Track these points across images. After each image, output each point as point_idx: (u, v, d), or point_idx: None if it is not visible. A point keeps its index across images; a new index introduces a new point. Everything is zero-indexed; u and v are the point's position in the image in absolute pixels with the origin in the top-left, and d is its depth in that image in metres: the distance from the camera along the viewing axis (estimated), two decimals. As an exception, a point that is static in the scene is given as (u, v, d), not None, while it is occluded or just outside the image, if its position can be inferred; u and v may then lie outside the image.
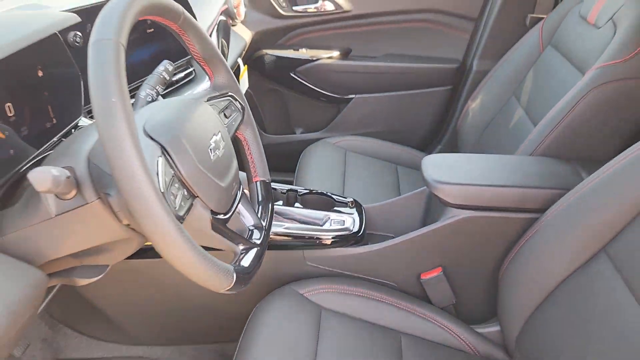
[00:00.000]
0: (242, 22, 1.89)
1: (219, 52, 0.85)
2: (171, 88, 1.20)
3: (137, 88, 0.84)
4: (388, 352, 1.00)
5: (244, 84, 1.82)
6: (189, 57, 1.23)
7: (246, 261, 0.75)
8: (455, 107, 1.96)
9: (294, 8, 1.95)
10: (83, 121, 0.88)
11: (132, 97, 0.62)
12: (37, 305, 0.69)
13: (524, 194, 1.07)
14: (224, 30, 1.65)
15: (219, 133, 0.76)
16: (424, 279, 1.17)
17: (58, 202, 0.65)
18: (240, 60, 1.73)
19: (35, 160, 0.75)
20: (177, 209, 0.63)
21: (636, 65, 1.13)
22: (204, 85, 1.26)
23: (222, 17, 1.65)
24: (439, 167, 1.15)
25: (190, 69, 1.27)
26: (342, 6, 1.92)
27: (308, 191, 1.23)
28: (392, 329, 1.06)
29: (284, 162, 1.99)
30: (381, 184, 1.57)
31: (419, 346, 1.04)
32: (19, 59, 0.71)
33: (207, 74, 0.86)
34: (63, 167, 0.63)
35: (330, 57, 1.98)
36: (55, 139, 0.80)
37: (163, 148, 0.65)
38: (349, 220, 1.16)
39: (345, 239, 1.13)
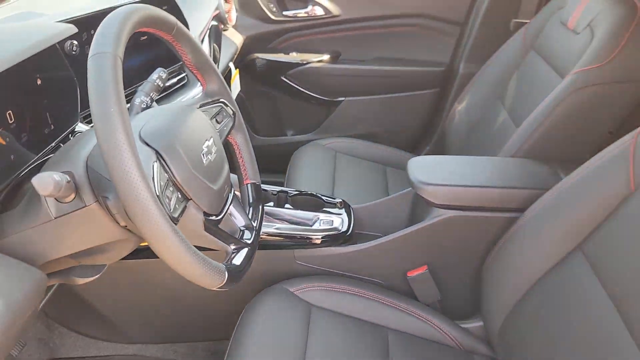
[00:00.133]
0: (233, 26, 1.91)
1: (211, 60, 0.88)
2: (165, 93, 1.23)
3: (133, 93, 0.86)
4: (375, 347, 1.03)
5: (235, 87, 1.84)
6: (181, 63, 1.26)
7: (237, 260, 0.78)
8: (443, 109, 1.99)
9: (284, 13, 1.97)
10: (80, 127, 0.90)
11: (127, 102, 0.65)
12: (37, 304, 0.71)
13: (505, 194, 1.11)
14: (216, 35, 1.67)
15: (211, 138, 0.79)
16: (410, 276, 1.20)
17: (58, 205, 0.68)
18: (231, 64, 1.76)
19: (34, 165, 0.78)
20: (171, 210, 0.66)
21: (611, 71, 1.17)
22: (197, 90, 1.28)
23: (214, 22, 1.67)
24: (423, 168, 1.18)
25: (183, 75, 1.29)
26: (331, 11, 1.95)
27: (298, 192, 1.26)
28: (380, 325, 1.09)
29: (275, 163, 2.01)
30: (370, 184, 1.61)
31: (405, 341, 1.07)
32: (19, 70, 0.74)
33: (200, 82, 0.89)
34: (63, 172, 0.65)
35: (320, 61, 2.01)
36: (53, 144, 0.82)
37: (158, 153, 0.68)
38: (338, 221, 1.19)
39: (334, 239, 1.17)
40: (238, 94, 1.93)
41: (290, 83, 2.05)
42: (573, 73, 1.21)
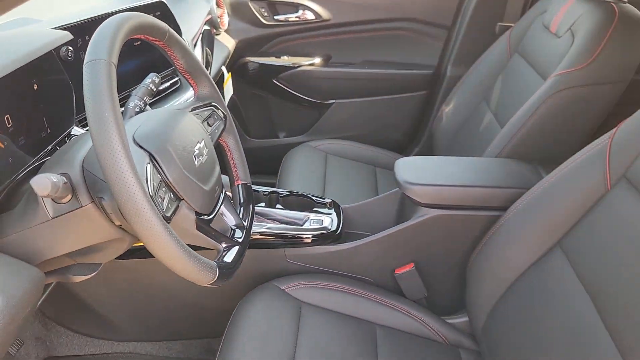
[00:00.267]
0: (225, 31, 1.94)
1: (202, 65, 0.90)
2: (158, 97, 1.25)
3: (127, 97, 0.88)
4: (364, 342, 1.06)
5: (228, 90, 1.87)
6: (173, 67, 1.28)
7: (228, 257, 0.81)
8: (431, 111, 2.02)
9: (276, 17, 2.00)
10: (75, 130, 0.93)
11: (121, 106, 0.67)
12: (36, 302, 0.73)
13: (488, 193, 1.15)
14: (208, 39, 1.70)
15: (202, 141, 0.82)
16: (397, 273, 1.23)
17: (55, 205, 0.70)
18: (224, 68, 1.78)
19: (31, 167, 0.80)
20: (164, 210, 0.69)
21: (591, 73, 1.21)
22: (189, 94, 1.30)
23: (207, 27, 1.70)
24: (410, 169, 1.21)
25: (176, 79, 1.32)
26: (322, 15, 1.97)
27: (289, 193, 1.29)
28: (368, 321, 1.12)
29: (267, 165, 2.03)
30: (360, 185, 1.63)
31: (392, 336, 1.10)
32: (17, 76, 0.76)
33: (192, 86, 0.91)
34: (60, 174, 0.68)
35: (311, 64, 2.03)
36: (49, 147, 0.85)
37: (151, 156, 0.70)
38: (327, 220, 1.22)
39: (324, 238, 1.19)
40: (231, 97, 1.95)
41: (282, 86, 2.07)
42: (554, 75, 1.25)
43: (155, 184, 0.68)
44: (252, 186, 1.05)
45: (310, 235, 1.18)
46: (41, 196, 0.68)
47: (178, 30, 1.34)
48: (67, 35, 0.89)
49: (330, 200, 1.29)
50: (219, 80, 1.76)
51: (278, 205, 1.24)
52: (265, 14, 1.99)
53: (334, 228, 1.21)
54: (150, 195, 0.66)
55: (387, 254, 1.22)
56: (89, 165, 0.71)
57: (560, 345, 0.83)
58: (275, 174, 1.75)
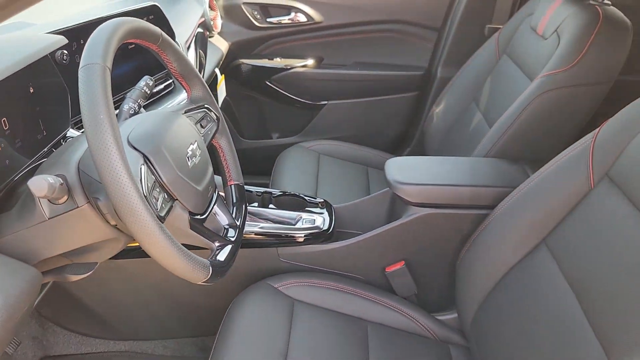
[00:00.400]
0: (219, 33, 1.95)
1: (195, 68, 0.92)
2: (152, 99, 1.26)
3: (121, 100, 0.90)
4: (355, 339, 1.07)
5: (221, 92, 1.88)
6: (167, 70, 1.30)
7: (221, 256, 0.82)
8: (422, 112, 2.04)
9: (268, 20, 2.02)
10: (71, 132, 0.94)
11: (116, 109, 0.69)
12: (33, 301, 0.74)
13: (476, 192, 1.17)
14: (202, 41, 1.71)
15: (196, 142, 0.83)
16: (388, 271, 1.25)
17: (51, 206, 0.72)
18: (217, 70, 1.79)
19: (28, 169, 0.81)
20: (158, 210, 0.70)
21: (576, 74, 1.24)
22: (182, 96, 1.32)
23: (200, 30, 1.71)
24: (400, 169, 1.23)
25: (170, 81, 1.33)
26: (313, 18, 1.99)
27: (282, 193, 1.31)
28: (359, 318, 1.14)
29: (260, 165, 2.04)
30: (352, 185, 1.65)
31: (383, 333, 1.12)
32: (13, 80, 0.77)
33: (185, 89, 0.93)
34: (56, 175, 0.70)
35: (303, 66, 2.05)
36: (46, 149, 0.86)
37: (145, 157, 0.72)
38: (320, 220, 1.24)
39: (316, 237, 1.21)
40: (224, 99, 1.96)
41: (275, 88, 2.09)
42: (541, 76, 1.27)
43: (149, 185, 0.70)
44: (245, 186, 1.07)
45: (303, 235, 1.20)
46: (38, 197, 0.69)
47: (171, 33, 1.36)
48: (62, 40, 0.90)
49: (323, 200, 1.31)
50: (212, 82, 1.77)
51: (271, 205, 1.26)
52: (258, 16, 2.01)
53: (326, 227, 1.22)
54: (145, 196, 0.67)
55: (378, 252, 1.24)
56: (85, 166, 0.72)
57: (545, 339, 0.85)
58: (268, 174, 1.76)
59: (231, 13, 2.02)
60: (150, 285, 1.26)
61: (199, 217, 0.82)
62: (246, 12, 2.00)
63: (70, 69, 0.97)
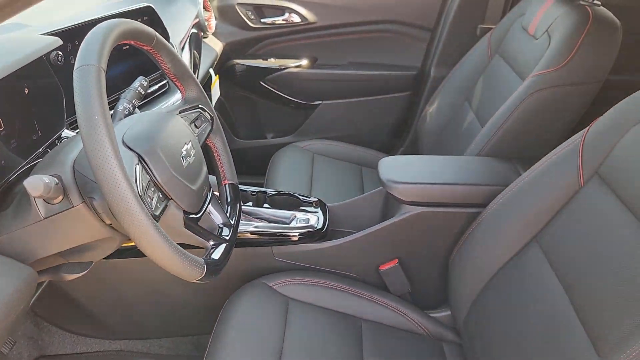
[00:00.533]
0: (213, 34, 1.95)
1: (189, 69, 0.92)
2: (146, 100, 1.27)
3: (116, 100, 0.90)
4: (349, 336, 1.08)
5: (215, 93, 1.88)
6: (161, 71, 1.30)
7: (216, 255, 0.83)
8: (415, 111, 2.05)
9: (262, 20, 2.02)
10: (66, 132, 0.94)
11: (110, 109, 0.69)
12: (28, 300, 0.75)
13: (469, 190, 1.18)
14: (196, 42, 1.71)
15: (190, 142, 0.84)
16: (382, 270, 1.26)
17: (47, 206, 0.72)
18: (212, 71, 1.80)
19: (23, 169, 0.82)
20: (153, 209, 0.71)
21: (566, 74, 1.25)
22: (177, 97, 1.32)
23: (194, 30, 1.71)
24: (393, 168, 1.24)
25: (164, 82, 1.34)
26: (307, 18, 2.00)
27: (276, 192, 1.31)
28: (353, 316, 1.15)
29: (255, 165, 2.05)
30: (346, 184, 1.66)
31: (377, 330, 1.12)
32: (8, 81, 0.78)
33: (179, 89, 0.93)
34: (51, 175, 0.70)
35: (297, 66, 2.06)
36: (41, 149, 0.86)
37: (140, 157, 0.73)
38: (314, 219, 1.24)
39: (310, 236, 1.21)
40: (218, 99, 1.97)
41: (269, 88, 2.10)
42: (532, 76, 1.29)
43: (144, 184, 0.71)
44: (240, 186, 1.07)
45: (297, 234, 1.21)
46: (34, 197, 0.70)
47: (166, 34, 1.36)
48: (57, 41, 0.91)
49: (317, 199, 1.31)
50: (207, 82, 1.77)
51: (265, 205, 1.26)
52: (252, 17, 2.01)
53: (320, 226, 1.23)
54: (140, 195, 0.68)
55: (371, 251, 1.25)
56: (80, 166, 0.73)
57: (536, 335, 0.86)
58: (263, 174, 1.77)
59: (225, 14, 2.03)
60: (146, 284, 1.27)
61: (193, 216, 0.83)
62: (240, 13, 2.00)
63: (65, 70, 0.97)
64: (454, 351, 1.12)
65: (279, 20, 2.02)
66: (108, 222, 0.75)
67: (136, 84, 0.91)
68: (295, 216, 1.24)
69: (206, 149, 0.97)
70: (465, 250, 1.12)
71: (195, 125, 0.93)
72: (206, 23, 1.82)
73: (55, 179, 0.70)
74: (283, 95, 2.11)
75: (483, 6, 1.90)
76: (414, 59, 2.05)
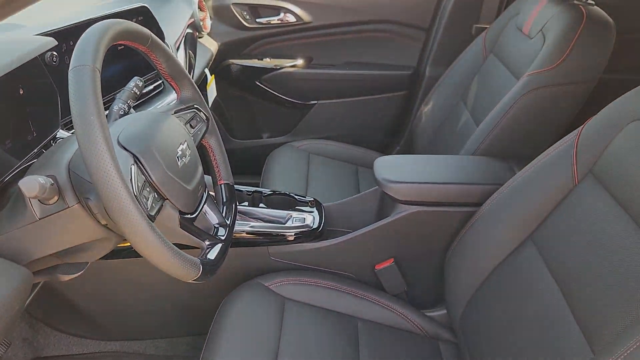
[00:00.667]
0: (208, 34, 1.95)
1: (185, 69, 0.92)
2: (142, 100, 1.26)
3: (111, 100, 0.90)
4: (346, 336, 1.09)
5: (212, 92, 1.88)
6: (156, 71, 1.30)
7: (212, 255, 0.83)
8: (410, 111, 2.06)
9: (258, 20, 2.02)
10: (61, 133, 0.94)
11: (106, 110, 0.69)
12: (23, 301, 0.74)
13: (464, 189, 1.18)
14: (191, 42, 1.71)
15: (185, 142, 0.84)
16: (378, 269, 1.26)
17: (42, 206, 0.72)
18: (207, 71, 1.80)
19: (18, 170, 0.82)
20: (148, 209, 0.71)
21: (560, 73, 1.25)
22: (172, 97, 1.32)
23: (189, 30, 1.71)
24: (389, 167, 1.25)
25: (159, 82, 1.33)
26: (302, 18, 2.00)
27: (272, 192, 1.31)
28: (350, 315, 1.15)
29: (250, 165, 2.05)
30: (342, 184, 1.66)
31: (373, 330, 1.13)
32: (3, 82, 0.78)
33: (174, 89, 0.93)
34: (47, 176, 0.70)
35: (293, 66, 2.06)
36: (36, 150, 0.86)
37: (135, 157, 0.73)
38: (310, 218, 1.25)
39: (306, 235, 1.22)
40: (215, 99, 1.97)
41: (265, 88, 2.10)
42: (526, 75, 1.29)
43: (139, 184, 0.71)
44: (236, 186, 1.07)
45: (293, 233, 1.21)
46: (29, 197, 0.69)
47: (161, 34, 1.36)
48: (52, 41, 0.91)
49: (313, 199, 1.32)
50: (202, 82, 1.77)
51: (261, 204, 1.26)
52: (247, 17, 2.01)
53: (316, 226, 1.23)
54: (135, 195, 0.68)
55: (367, 250, 1.25)
56: (75, 167, 0.72)
57: (532, 333, 0.87)
58: (259, 174, 1.77)
59: (220, 14, 2.02)
60: (141, 284, 1.26)
61: (189, 216, 0.83)
62: (235, 13, 2.00)
63: (60, 71, 0.97)
64: (450, 350, 1.13)
65: (274, 20, 2.02)
66: (103, 222, 0.75)
67: (131, 84, 0.91)
68: (291, 216, 1.25)
69: (201, 149, 0.97)
70: (461, 249, 1.12)
71: (190, 125, 0.93)
72: (201, 23, 1.82)
73: (51, 179, 0.70)
74: (278, 95, 2.11)
75: (478, 6, 1.90)
76: (409, 58, 2.06)
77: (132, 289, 1.28)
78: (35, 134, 0.86)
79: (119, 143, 0.74)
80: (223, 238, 0.90)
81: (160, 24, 1.36)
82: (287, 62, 2.07)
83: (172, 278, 0.71)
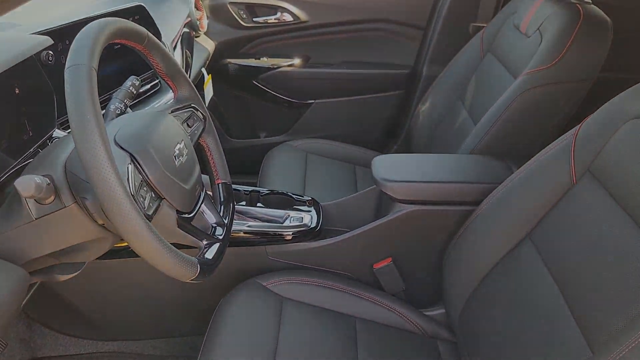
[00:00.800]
0: (205, 33, 1.95)
1: (181, 68, 0.92)
2: (138, 99, 1.26)
3: (108, 100, 0.90)
4: (344, 335, 1.08)
5: (208, 92, 1.88)
6: (153, 70, 1.30)
7: (209, 254, 0.83)
8: (408, 110, 2.06)
9: (255, 19, 2.02)
10: (57, 132, 0.94)
11: (102, 109, 0.69)
12: (20, 301, 0.74)
13: (462, 188, 1.18)
14: (188, 41, 1.71)
15: (182, 141, 0.84)
16: (376, 268, 1.26)
17: (38, 206, 0.72)
18: (204, 70, 1.79)
19: (14, 170, 0.81)
20: (146, 209, 0.71)
21: (558, 71, 1.26)
22: (169, 96, 1.32)
23: (186, 30, 1.71)
24: (386, 166, 1.25)
25: (156, 81, 1.33)
26: (299, 17, 2.00)
27: (269, 191, 1.31)
28: (348, 315, 1.15)
29: (248, 165, 2.04)
30: (339, 183, 1.66)
31: (372, 329, 1.13)
32: None
33: (171, 88, 0.93)
34: (43, 175, 0.70)
35: (290, 65, 2.06)
36: (32, 149, 0.86)
37: (132, 156, 0.72)
38: (307, 217, 1.25)
39: (304, 234, 1.22)
40: (211, 98, 1.96)
41: (262, 87, 2.10)
42: (524, 74, 1.29)
43: (136, 184, 0.70)
44: (233, 185, 1.07)
45: (291, 233, 1.21)
46: (25, 197, 0.69)
47: (157, 33, 1.36)
48: (48, 40, 0.90)
49: (310, 198, 1.32)
50: (199, 82, 1.77)
51: (259, 204, 1.26)
52: (244, 16, 2.01)
53: (313, 225, 1.23)
54: (132, 195, 0.68)
55: (365, 249, 1.25)
56: (72, 166, 0.72)
57: (530, 331, 0.87)
58: (256, 173, 1.77)
59: (217, 13, 2.02)
60: (139, 284, 1.26)
61: (186, 215, 0.83)
62: (232, 12, 2.00)
63: (56, 70, 0.97)
64: (448, 349, 1.13)
65: (271, 19, 2.02)
66: (100, 222, 0.75)
67: (128, 83, 0.91)
68: (288, 215, 1.25)
69: (199, 149, 0.97)
70: (459, 248, 1.12)
71: (187, 124, 0.92)
72: (198, 22, 1.82)
73: (47, 179, 0.69)
74: (276, 94, 2.11)
75: (475, 4, 1.90)
76: (406, 57, 2.05)
77: (129, 289, 1.27)
78: (31, 134, 0.86)
79: (115, 142, 0.74)
80: (221, 238, 0.90)
81: (156, 23, 1.36)
82: (284, 62, 2.06)
83: (169, 278, 0.71)
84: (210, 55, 1.92)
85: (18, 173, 0.80)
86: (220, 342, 1.01)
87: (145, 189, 0.72)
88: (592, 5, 1.33)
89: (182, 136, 0.85)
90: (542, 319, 0.85)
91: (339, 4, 1.98)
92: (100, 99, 0.64)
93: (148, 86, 1.31)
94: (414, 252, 1.26)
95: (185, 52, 1.64)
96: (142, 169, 0.73)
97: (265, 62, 2.07)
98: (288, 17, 2.00)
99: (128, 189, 0.64)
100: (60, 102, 0.91)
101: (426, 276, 1.29)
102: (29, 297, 0.98)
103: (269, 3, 1.99)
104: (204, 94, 1.80)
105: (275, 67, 2.05)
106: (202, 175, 0.93)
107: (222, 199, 1.02)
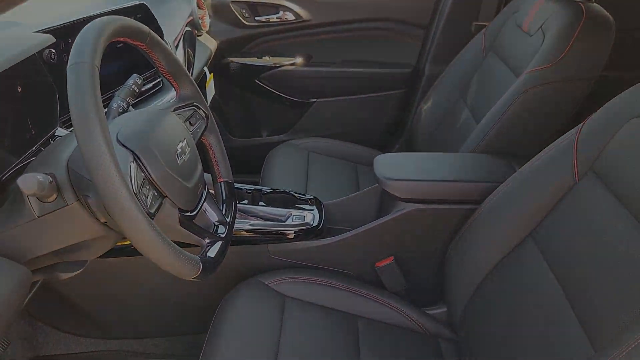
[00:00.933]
0: (207, 32, 1.95)
1: (184, 66, 0.92)
2: (141, 97, 1.26)
3: (110, 98, 0.90)
4: (346, 334, 1.08)
5: (210, 91, 1.88)
6: (155, 68, 1.30)
7: (212, 252, 0.83)
8: (410, 109, 2.06)
9: (257, 18, 2.02)
10: (59, 131, 0.94)
11: (105, 107, 0.69)
12: (23, 299, 0.74)
13: (464, 187, 1.18)
14: (190, 40, 1.71)
15: (185, 140, 0.84)
16: (378, 267, 1.26)
17: (41, 204, 0.72)
18: (206, 69, 1.80)
19: (16, 168, 0.82)
20: (148, 207, 0.71)
21: (560, 70, 1.25)
22: (171, 94, 1.32)
23: (188, 28, 1.71)
24: (389, 165, 1.25)
25: (158, 80, 1.33)
26: (302, 16, 2.00)
27: (272, 190, 1.31)
28: (350, 314, 1.14)
29: (250, 163, 2.04)
30: (341, 181, 1.66)
31: (374, 328, 1.12)
32: (1, 79, 0.77)
33: (173, 87, 0.93)
34: (45, 174, 0.70)
35: (292, 64, 2.06)
36: (34, 148, 0.86)
37: (135, 154, 0.72)
38: (309, 216, 1.25)
39: (306, 233, 1.22)
40: (213, 97, 1.97)
41: (264, 86, 2.09)
42: (526, 73, 1.29)
43: (139, 182, 0.70)
44: (235, 184, 1.07)
45: (293, 231, 1.21)
46: (27, 195, 0.69)
47: (160, 32, 1.36)
48: (50, 38, 0.91)
49: (312, 197, 1.32)
50: (201, 81, 1.77)
51: (261, 203, 1.26)
52: (246, 14, 2.01)
53: (315, 224, 1.23)
54: (134, 193, 0.68)
55: (367, 248, 1.25)
56: (74, 164, 0.72)
57: (532, 330, 0.87)
58: (258, 172, 1.77)
59: (219, 12, 2.02)
60: (141, 283, 1.26)
61: (188, 214, 0.83)
62: (234, 11, 2.00)
63: (59, 68, 0.97)
64: (450, 348, 1.13)
65: (273, 18, 2.02)
66: (103, 220, 0.75)
67: (130, 81, 0.91)
68: (290, 214, 1.25)
69: (201, 147, 0.97)
70: (461, 247, 1.12)
71: (189, 122, 0.92)
72: (200, 21, 1.82)
73: (49, 177, 0.70)
74: (278, 93, 2.11)
75: (477, 3, 1.90)
76: (408, 56, 2.05)
77: (131, 287, 1.27)
78: (33, 132, 0.86)
79: (118, 140, 0.74)
80: (223, 236, 0.90)
81: (159, 22, 1.36)
82: (286, 60, 2.06)
83: (172, 276, 0.71)
84: (213, 54, 1.92)
85: (20, 171, 0.80)
86: (223, 341, 1.01)
87: (147, 187, 0.72)
88: (595, 4, 1.32)
89: (184, 134, 0.85)
90: (545, 318, 0.85)
91: (341, 3, 1.98)
92: (102, 97, 0.64)
93: (150, 85, 1.31)
94: (416, 250, 1.25)
95: (188, 50, 1.64)
96: (145, 167, 0.73)
97: (267, 61, 2.07)
98: (290, 16, 2.00)
99: (130, 187, 0.64)
100: (63, 100, 0.92)
101: (428, 275, 1.29)
102: (31, 295, 0.98)
103: (271, 2, 1.99)
104: (206, 93, 1.80)
105: (277, 66, 2.05)
106: (205, 173, 0.93)
107: (224, 198, 1.02)
